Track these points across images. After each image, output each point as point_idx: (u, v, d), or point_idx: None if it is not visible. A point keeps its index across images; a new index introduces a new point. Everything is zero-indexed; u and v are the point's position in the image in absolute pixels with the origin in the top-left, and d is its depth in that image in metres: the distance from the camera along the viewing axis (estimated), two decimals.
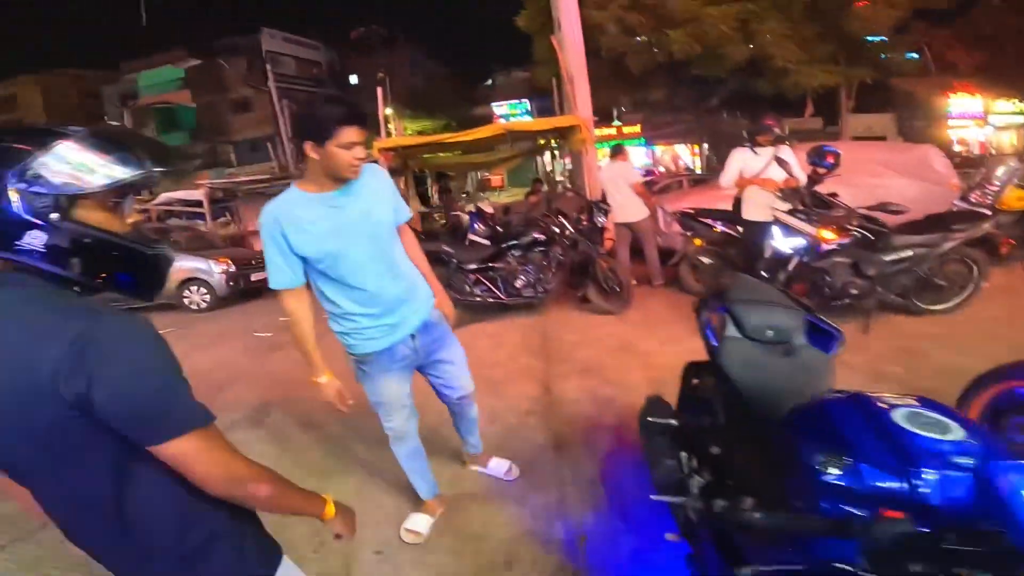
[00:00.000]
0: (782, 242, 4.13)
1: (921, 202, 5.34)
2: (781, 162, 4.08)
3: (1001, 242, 4.26)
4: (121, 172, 0.83)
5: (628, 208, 5.79)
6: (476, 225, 6.62)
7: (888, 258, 4.09)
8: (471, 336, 4.96)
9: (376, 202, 1.83)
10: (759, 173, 4.43)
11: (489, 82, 30.16)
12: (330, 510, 1.08)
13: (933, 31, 11.26)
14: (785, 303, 1.88)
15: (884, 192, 5.38)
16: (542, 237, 5.10)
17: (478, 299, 5.18)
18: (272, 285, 1.80)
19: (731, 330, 1.82)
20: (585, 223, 5.38)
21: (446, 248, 5.10)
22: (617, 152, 6.08)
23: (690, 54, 11.30)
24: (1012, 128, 20.85)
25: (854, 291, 4.14)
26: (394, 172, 10.85)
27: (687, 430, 2.02)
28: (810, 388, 1.56)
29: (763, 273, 4.13)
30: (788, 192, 4.14)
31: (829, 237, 4.01)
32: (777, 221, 4.17)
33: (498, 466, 2.77)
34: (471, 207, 8.30)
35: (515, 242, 5.15)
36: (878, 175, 6.42)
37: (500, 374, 4.12)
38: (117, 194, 0.87)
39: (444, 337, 2.19)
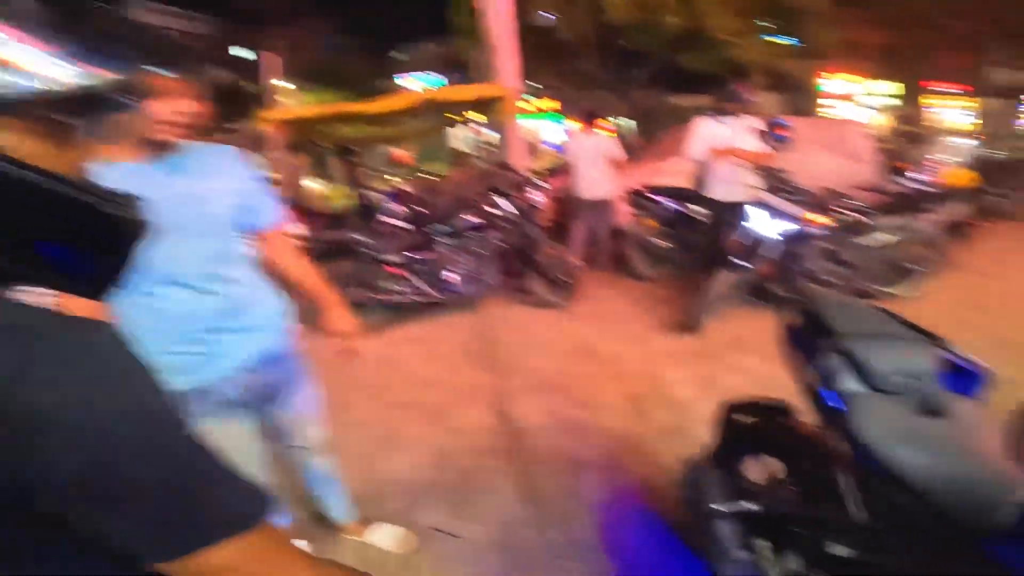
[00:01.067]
0: (766, 225, 3.60)
1: (844, 177, 5.16)
2: (763, 134, 3.54)
3: (966, 222, 4.07)
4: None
5: (601, 184, 5.15)
6: (394, 207, 5.58)
7: (863, 242, 3.72)
8: (393, 345, 4.03)
9: (217, 190, 1.35)
10: (727, 145, 3.87)
11: (401, 56, 28.36)
12: None
13: (844, 8, 11.57)
14: (904, 333, 1.26)
15: (815, 169, 5.14)
16: (477, 221, 4.23)
17: (401, 298, 4.22)
18: None
19: (849, 381, 1.16)
20: (521, 203, 4.59)
21: (357, 237, 4.07)
22: (589, 120, 5.35)
23: (627, 21, 10.72)
24: (886, 109, 22.82)
25: (828, 278, 3.74)
26: (291, 148, 9.49)
27: (774, 518, 1.33)
28: (984, 466, 1.02)
29: (739, 261, 3.58)
30: (766, 169, 3.61)
31: (818, 220, 3.54)
32: (758, 201, 3.64)
33: (383, 537, 2.08)
34: (388, 186, 7.22)
35: (446, 228, 4.23)
36: (807, 151, 6.26)
37: (439, 396, 3.26)
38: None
39: (292, 375, 1.67)
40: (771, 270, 3.79)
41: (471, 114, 9.97)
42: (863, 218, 3.58)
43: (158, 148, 1.21)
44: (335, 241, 4.09)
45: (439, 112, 9.74)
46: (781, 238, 3.58)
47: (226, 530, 0.50)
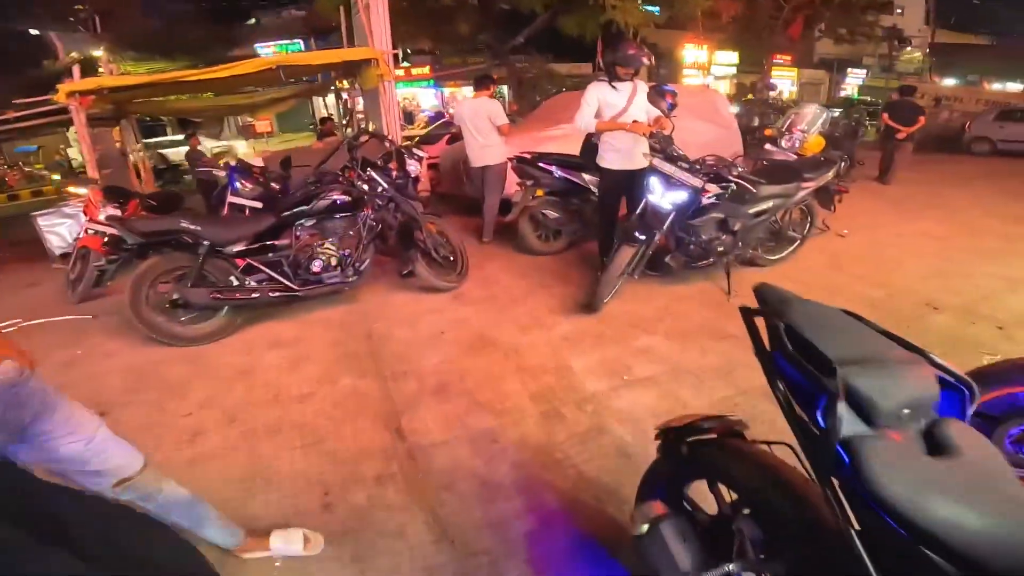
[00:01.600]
0: (662, 196, 3.40)
1: (713, 145, 5.29)
2: (655, 100, 3.29)
3: (839, 190, 4.26)
4: None
5: (490, 151, 4.82)
6: (237, 185, 4.64)
7: (752, 210, 3.70)
8: (250, 353, 3.32)
9: None
10: (621, 112, 3.60)
11: (252, 21, 24.87)
12: None
13: None
14: (893, 351, 0.99)
15: (696, 137, 5.19)
16: (346, 198, 3.56)
17: (256, 296, 3.45)
18: None
19: (851, 421, 0.87)
20: (397, 175, 4.02)
21: (189, 225, 3.20)
22: (482, 85, 4.96)
23: None
24: (727, 79, 24.87)
25: (720, 248, 3.68)
26: (104, 121, 7.84)
27: None
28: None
29: (636, 234, 3.37)
30: (660, 136, 3.40)
31: (711, 189, 3.41)
32: (654, 170, 3.42)
33: (286, 543, 1.83)
34: (228, 160, 6.14)
35: (305, 207, 3.51)
36: (686, 119, 6.35)
37: (314, 413, 2.66)
38: None
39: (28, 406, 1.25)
40: (666, 242, 3.65)
41: (342, 83, 9.05)
42: (750, 187, 3.54)
43: None
44: (159, 232, 3.20)
45: (300, 79, 8.69)
46: (675, 209, 3.42)
47: None
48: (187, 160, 8.88)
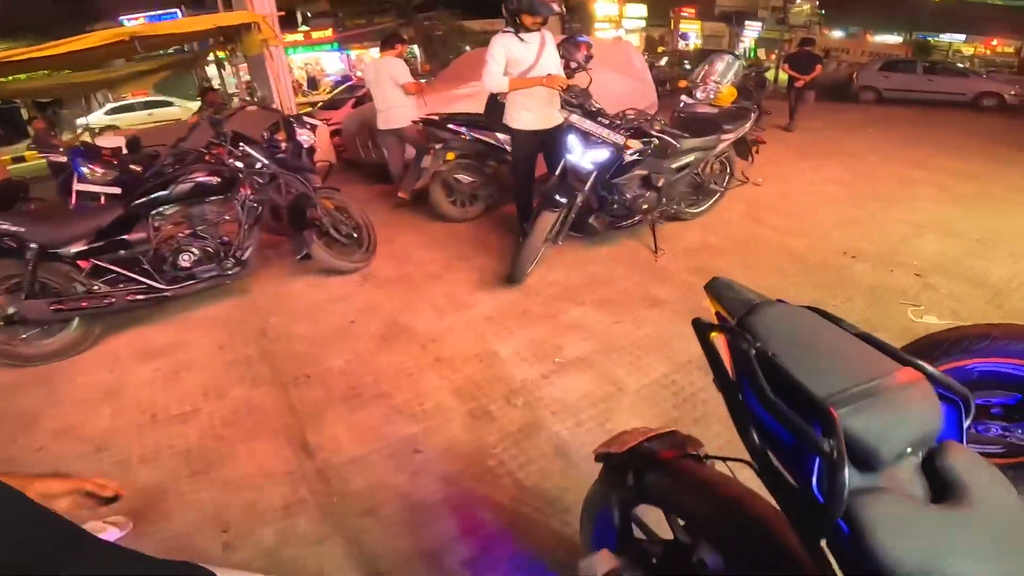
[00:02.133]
0: (581, 156, 3.12)
1: (629, 97, 5.12)
2: (568, 52, 2.97)
3: (757, 140, 4.17)
4: None
5: (397, 112, 4.42)
6: (83, 170, 3.84)
7: (675, 165, 3.52)
8: (119, 366, 2.77)
9: None
10: (531, 67, 3.24)
11: None
12: None
13: None
14: (876, 364, 0.76)
15: (612, 91, 4.97)
16: (212, 180, 2.97)
17: (111, 303, 2.84)
18: None
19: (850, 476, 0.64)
20: (285, 147, 3.48)
21: (6, 226, 2.54)
22: (388, 45, 4.52)
23: None
24: (636, 32, 25.05)
25: (645, 206, 3.49)
26: None
27: None
28: None
29: (556, 197, 3.08)
30: (577, 91, 3.09)
31: (632, 145, 3.16)
32: (572, 128, 3.12)
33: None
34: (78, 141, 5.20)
35: (162, 193, 2.89)
36: (601, 72, 6.11)
37: (202, 435, 2.21)
38: None
39: None
40: (588, 203, 3.40)
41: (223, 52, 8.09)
42: (672, 141, 3.34)
43: None
44: None
45: (172, 50, 7.76)
46: (597, 168, 3.16)
47: None
48: (34, 144, 7.56)
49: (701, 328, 0.83)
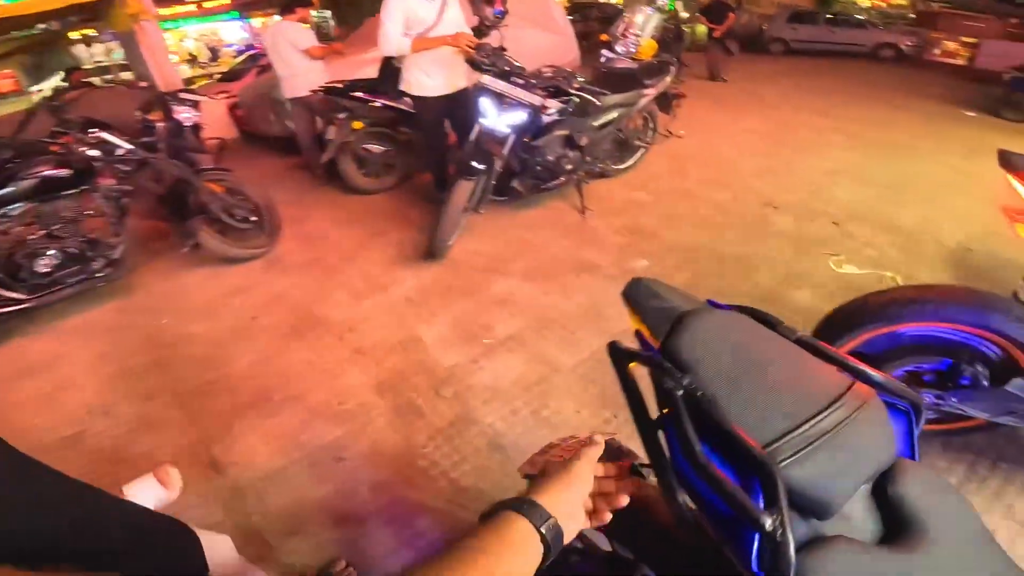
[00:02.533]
0: (496, 119, 2.88)
1: (550, 54, 4.92)
2: (481, 2, 2.69)
3: (678, 94, 4.08)
4: None
5: (302, 80, 3.99)
6: None
7: (598, 123, 3.37)
8: None
9: None
10: (432, 27, 2.93)
11: None
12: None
13: None
14: (822, 384, 0.64)
15: (528, 46, 4.73)
16: (60, 172, 2.50)
17: None
18: None
19: (799, 524, 0.56)
20: (162, 129, 3.03)
21: None
22: (288, 9, 4.04)
23: None
24: None
25: (568, 166, 3.34)
26: None
27: None
28: None
29: (473, 164, 2.84)
30: (489, 50, 2.83)
31: (551, 105, 2.95)
32: (484, 90, 2.87)
33: None
34: None
35: (8, 191, 2.40)
36: (515, 26, 5.83)
37: (92, 459, 1.86)
38: None
39: None
40: (508, 166, 3.20)
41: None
42: (592, 98, 3.17)
43: None
44: None
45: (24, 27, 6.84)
46: (514, 131, 2.94)
47: None
48: None
49: (618, 356, 0.68)
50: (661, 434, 0.61)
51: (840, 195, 3.62)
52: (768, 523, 0.48)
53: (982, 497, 1.57)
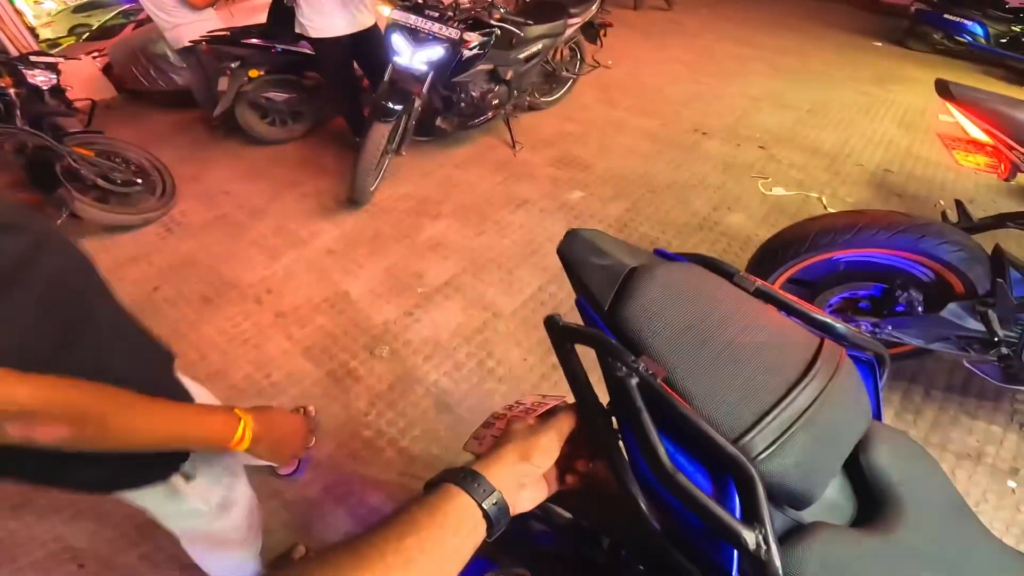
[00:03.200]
0: (412, 57, 2.60)
1: None
2: None
3: (604, 23, 3.88)
4: None
5: (189, 28, 3.42)
6: None
7: (523, 55, 3.15)
8: None
9: None
10: None
11: None
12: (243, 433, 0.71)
13: None
14: (790, 351, 0.56)
15: None
16: None
17: None
18: None
19: (777, 516, 0.50)
20: (14, 95, 2.57)
21: None
22: None
23: None
24: None
25: (495, 101, 3.13)
26: None
27: None
28: None
29: (390, 107, 2.57)
30: None
31: (472, 38, 2.68)
32: (396, 25, 2.57)
33: None
34: None
35: None
36: None
37: None
38: None
39: None
40: (430, 105, 2.95)
41: None
42: (516, 30, 2.93)
43: None
44: None
45: None
46: (433, 68, 2.68)
47: None
48: None
49: (557, 333, 0.56)
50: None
51: (764, 120, 3.65)
52: (751, 541, 0.41)
53: (920, 429, 1.63)
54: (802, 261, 1.48)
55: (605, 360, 0.50)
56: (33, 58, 2.96)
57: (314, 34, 2.77)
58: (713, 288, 0.58)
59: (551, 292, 2.14)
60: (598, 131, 3.55)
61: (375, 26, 2.86)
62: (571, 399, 0.57)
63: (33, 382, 0.56)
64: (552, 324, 0.57)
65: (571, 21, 3.50)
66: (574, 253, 0.61)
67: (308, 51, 3.29)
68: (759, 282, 0.61)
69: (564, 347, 0.56)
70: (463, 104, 3.04)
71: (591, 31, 3.94)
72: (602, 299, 0.55)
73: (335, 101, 3.34)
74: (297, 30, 2.80)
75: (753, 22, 7.22)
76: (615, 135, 3.48)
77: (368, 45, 2.86)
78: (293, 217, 2.81)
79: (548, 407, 0.61)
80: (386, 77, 2.73)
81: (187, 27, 3.43)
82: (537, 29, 3.20)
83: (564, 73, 3.87)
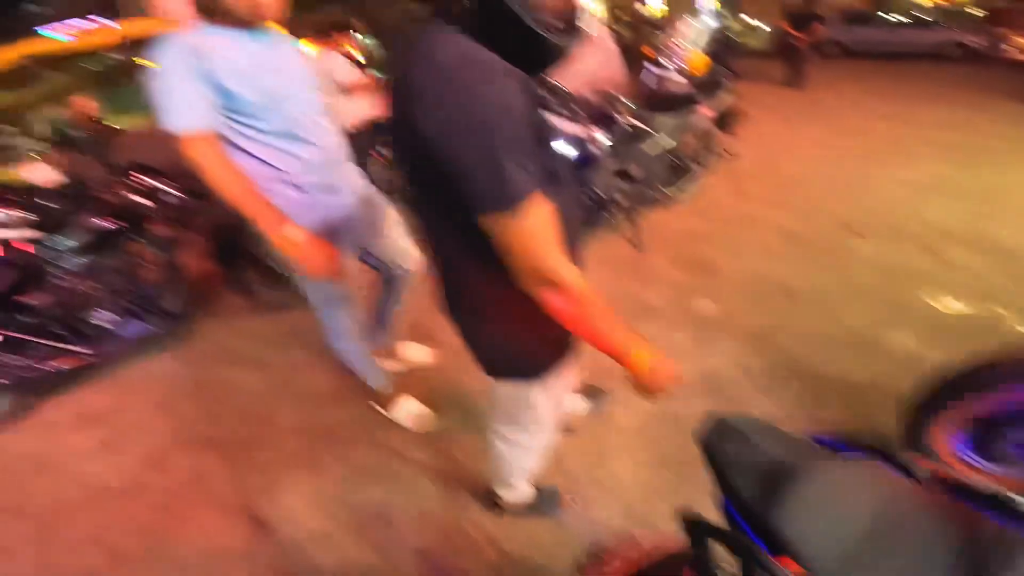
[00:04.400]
0: None
1: (606, 75, 4.72)
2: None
3: (739, 112, 3.84)
4: None
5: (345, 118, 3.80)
6: None
7: (650, 150, 3.18)
8: (53, 435, 2.31)
9: None
10: None
11: (36, 8, 20.12)
12: (642, 358, 0.92)
13: None
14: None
15: (575, 68, 4.57)
16: (112, 223, 2.55)
17: (32, 376, 2.43)
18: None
19: None
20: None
21: None
22: (325, 38, 3.95)
23: None
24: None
25: (620, 198, 3.16)
26: None
27: None
28: None
29: None
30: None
31: (601, 137, 2.79)
32: None
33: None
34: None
35: (70, 241, 2.46)
36: None
37: (152, 508, 1.86)
38: None
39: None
40: None
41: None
42: (643, 125, 2.98)
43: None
44: None
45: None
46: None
47: (491, 205, 0.73)
48: None
49: (693, 529, 0.52)
50: None
51: (929, 213, 3.26)
52: None
53: None
54: (991, 395, 1.25)
55: (748, 568, 0.43)
56: None
57: None
58: (885, 492, 0.49)
59: (676, 413, 2.01)
60: (727, 228, 3.42)
61: None
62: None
63: (574, 270, 0.80)
64: (689, 519, 0.51)
65: (702, 111, 3.48)
66: (718, 447, 0.56)
67: None
68: (935, 467, 0.51)
69: (700, 544, 0.50)
70: (587, 201, 3.10)
71: (723, 120, 3.89)
72: (753, 504, 0.49)
73: None
74: None
75: (906, 95, 6.66)
76: (746, 233, 3.32)
77: None
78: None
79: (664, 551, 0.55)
80: None
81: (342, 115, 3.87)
82: (666, 122, 3.22)
83: (692, 164, 3.82)
